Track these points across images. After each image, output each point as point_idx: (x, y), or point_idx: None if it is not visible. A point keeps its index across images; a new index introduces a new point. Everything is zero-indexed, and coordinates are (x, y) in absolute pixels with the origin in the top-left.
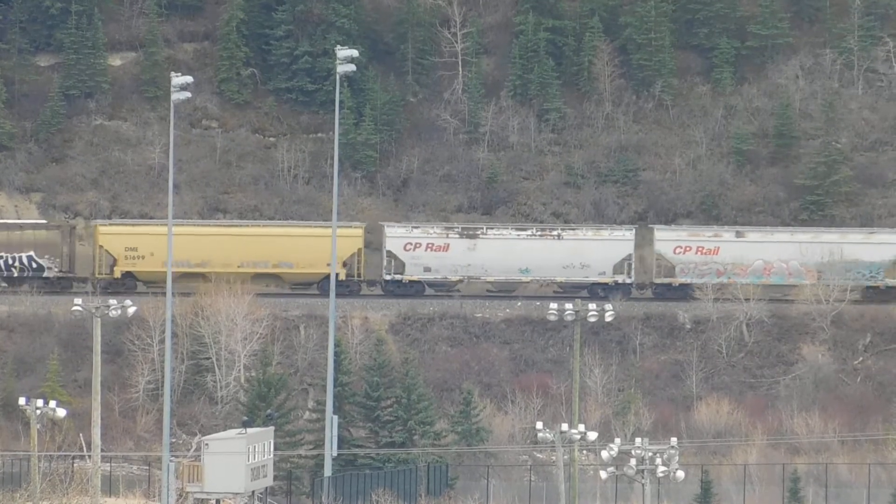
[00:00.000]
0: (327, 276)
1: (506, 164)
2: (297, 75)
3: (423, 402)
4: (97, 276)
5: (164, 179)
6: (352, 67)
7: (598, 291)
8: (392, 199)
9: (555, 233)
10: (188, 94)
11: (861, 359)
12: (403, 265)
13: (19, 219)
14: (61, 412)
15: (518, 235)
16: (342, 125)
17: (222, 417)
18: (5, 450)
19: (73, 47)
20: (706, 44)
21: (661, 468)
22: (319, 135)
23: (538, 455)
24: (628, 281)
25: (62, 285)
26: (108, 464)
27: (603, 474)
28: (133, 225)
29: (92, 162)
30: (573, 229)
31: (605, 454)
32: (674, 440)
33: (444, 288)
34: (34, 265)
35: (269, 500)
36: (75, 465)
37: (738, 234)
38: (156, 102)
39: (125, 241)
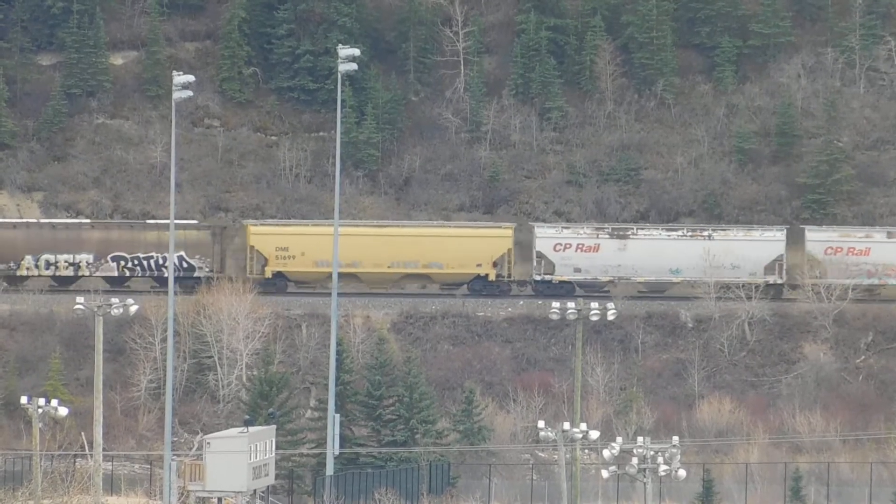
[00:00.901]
0: (477, 277)
1: (507, 163)
2: (298, 74)
3: (425, 401)
4: (248, 276)
5: (166, 178)
6: (353, 66)
7: (749, 292)
8: (394, 197)
9: (705, 233)
10: (190, 93)
11: (863, 357)
12: (553, 266)
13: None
14: (63, 411)
15: (669, 236)
16: (344, 124)
17: (224, 416)
18: (7, 448)
19: (75, 46)
20: (708, 42)
21: (663, 467)
22: (321, 133)
23: (540, 454)
24: (779, 281)
25: (213, 286)
26: (110, 462)
27: (605, 473)
28: (284, 225)
29: (94, 161)
30: (724, 230)
31: (606, 453)
32: (675, 439)
33: (594, 289)
34: (185, 265)
35: (270, 498)
36: (77, 463)
37: (890, 235)
38: (157, 101)
39: (276, 242)
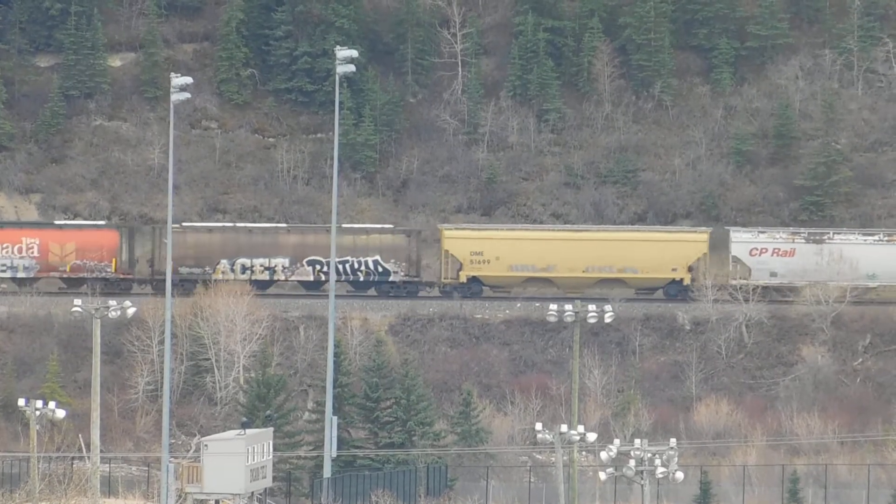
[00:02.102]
0: (672, 281)
1: (505, 165)
2: (296, 76)
3: (423, 403)
4: (443, 280)
5: (164, 180)
6: (351, 68)
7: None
8: (391, 199)
9: None
10: (188, 95)
11: (861, 360)
12: (749, 270)
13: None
14: (61, 413)
15: (865, 241)
16: (342, 125)
17: (221, 418)
18: (4, 450)
19: (73, 48)
20: (706, 44)
21: (661, 469)
22: (319, 135)
23: (538, 456)
24: None
25: (408, 290)
26: (108, 464)
27: (602, 475)
28: (478, 229)
29: (91, 162)
30: None
31: (604, 455)
32: (673, 441)
33: (790, 294)
34: (380, 269)
35: (268, 500)
36: (74, 465)
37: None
38: (155, 103)
39: (471, 246)
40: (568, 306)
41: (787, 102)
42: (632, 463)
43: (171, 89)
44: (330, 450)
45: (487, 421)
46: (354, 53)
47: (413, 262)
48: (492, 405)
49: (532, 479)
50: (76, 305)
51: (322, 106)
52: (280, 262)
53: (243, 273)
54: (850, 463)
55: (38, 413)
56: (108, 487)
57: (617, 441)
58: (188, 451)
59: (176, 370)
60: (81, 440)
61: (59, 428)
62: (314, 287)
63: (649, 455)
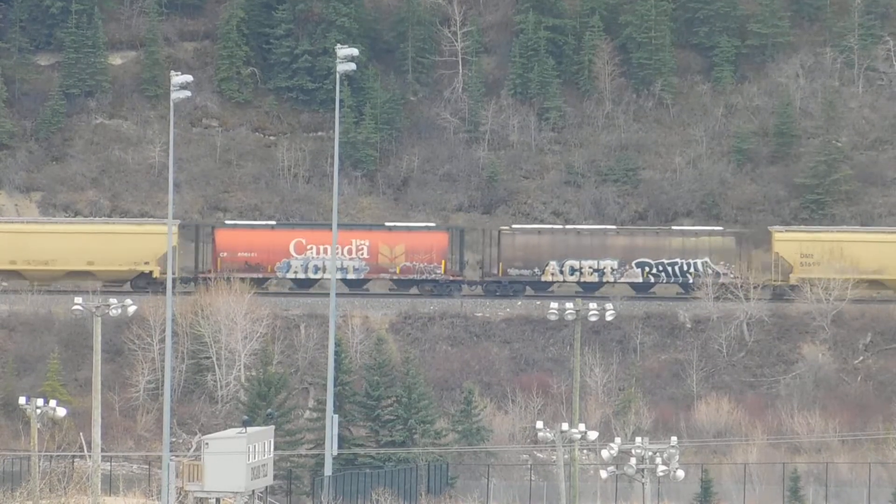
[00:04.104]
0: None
1: (506, 163)
2: (297, 74)
3: (424, 402)
4: (773, 282)
5: (165, 178)
6: (352, 66)
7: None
8: (392, 198)
9: None
10: (188, 93)
11: (861, 358)
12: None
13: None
14: (61, 411)
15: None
16: (342, 124)
17: (222, 416)
18: (5, 449)
19: (74, 46)
20: (706, 42)
21: (662, 467)
22: (319, 133)
23: (538, 454)
24: None
25: (733, 293)
26: (109, 463)
27: (603, 473)
28: (809, 231)
29: (92, 161)
30: None
31: (605, 453)
32: (674, 439)
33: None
34: (710, 271)
35: (269, 499)
36: (75, 464)
37: None
38: (156, 101)
39: (801, 248)
40: (569, 304)
41: (788, 101)
42: (633, 461)
43: (172, 88)
44: (331, 448)
45: (488, 419)
46: (355, 52)
47: (743, 265)
48: (493, 403)
49: (533, 478)
50: (77, 304)
51: (323, 104)
52: (609, 263)
53: (572, 275)
54: (851, 461)
55: (38, 411)
56: (109, 486)
57: (618, 439)
58: (189, 449)
59: (177, 368)
60: (82, 438)
61: (59, 426)
62: (643, 289)
63: (650, 453)
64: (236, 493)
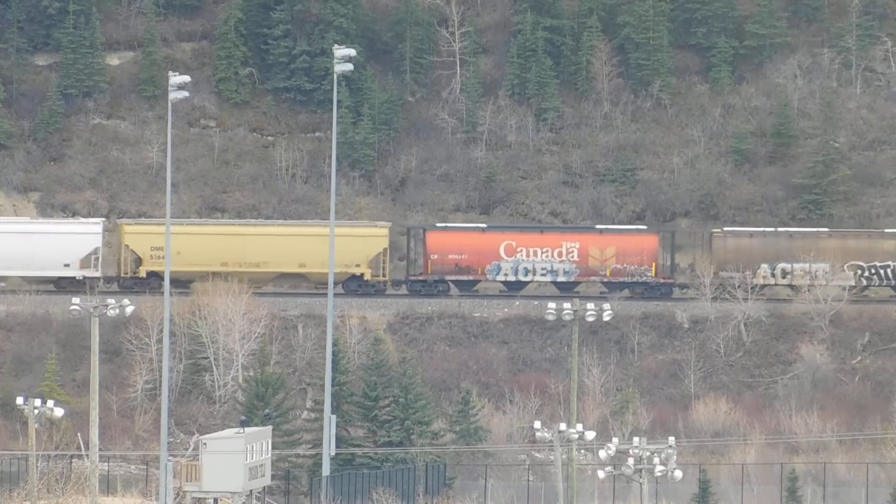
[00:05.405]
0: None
1: (504, 164)
2: (295, 74)
3: (421, 402)
4: None
5: (162, 178)
6: (350, 67)
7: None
8: (390, 198)
9: None
10: (186, 94)
11: (859, 358)
12: None
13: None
14: (59, 411)
15: None
16: (340, 124)
17: (220, 417)
18: (3, 449)
19: (71, 47)
20: (704, 43)
21: (659, 468)
22: (317, 134)
23: (536, 454)
24: None
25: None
26: (106, 463)
27: (601, 474)
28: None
29: (90, 161)
30: None
31: (603, 454)
32: (672, 439)
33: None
34: None
35: (266, 499)
36: (73, 464)
37: None
38: (154, 102)
39: None
40: (567, 305)
41: (786, 101)
42: (630, 461)
43: (170, 88)
44: (328, 448)
45: (486, 419)
46: (353, 52)
47: None
48: (490, 404)
49: (531, 478)
50: (74, 304)
51: (320, 105)
52: (820, 266)
53: (783, 278)
54: (849, 461)
55: (36, 412)
56: (107, 486)
57: (616, 439)
58: (187, 449)
59: (174, 369)
60: (80, 439)
61: (57, 426)
62: (855, 292)
63: (648, 453)
64: (234, 493)
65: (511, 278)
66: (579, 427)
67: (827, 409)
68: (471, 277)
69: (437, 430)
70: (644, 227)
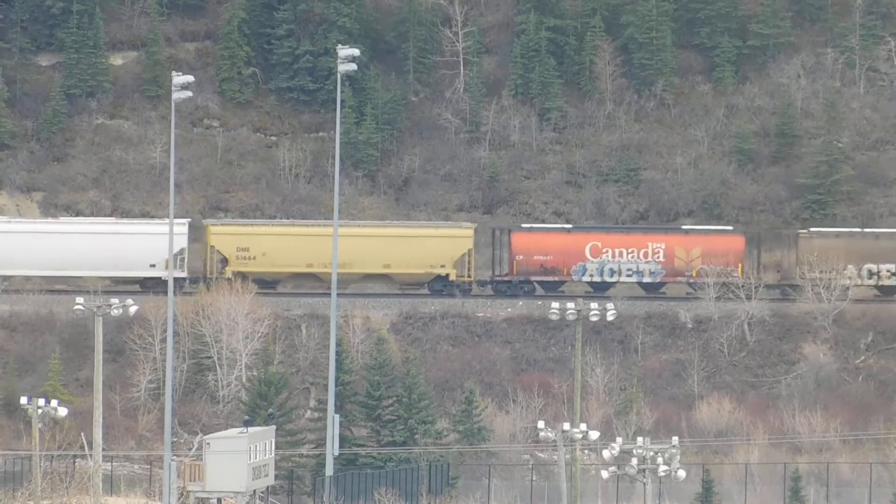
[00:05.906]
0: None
1: (507, 164)
2: (298, 74)
3: (425, 402)
4: None
5: (166, 178)
6: (353, 66)
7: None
8: (393, 198)
9: None
10: (189, 94)
11: (863, 358)
12: None
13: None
14: (63, 411)
15: None
16: (343, 124)
17: (224, 416)
18: (7, 449)
19: (75, 46)
20: (708, 43)
21: (663, 467)
22: (321, 134)
23: (540, 454)
24: None
25: None
26: (110, 463)
27: (604, 474)
28: None
29: (93, 161)
30: None
31: (606, 453)
32: (675, 439)
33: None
34: None
35: (270, 499)
36: (76, 464)
37: None
38: (157, 101)
39: None
40: (570, 304)
41: (789, 101)
42: (634, 461)
43: (173, 88)
44: (332, 448)
45: (489, 419)
46: (356, 52)
47: None
48: (494, 403)
49: (534, 478)
50: (78, 304)
51: (324, 105)
52: None
53: (869, 278)
54: (853, 461)
55: (40, 411)
56: (111, 486)
57: (619, 439)
58: (190, 449)
59: (178, 368)
60: (83, 438)
61: (61, 426)
62: None
63: (651, 453)
64: (237, 493)
65: (597, 279)
66: (583, 427)
67: (830, 409)
68: (556, 278)
69: (440, 430)
70: (730, 227)
